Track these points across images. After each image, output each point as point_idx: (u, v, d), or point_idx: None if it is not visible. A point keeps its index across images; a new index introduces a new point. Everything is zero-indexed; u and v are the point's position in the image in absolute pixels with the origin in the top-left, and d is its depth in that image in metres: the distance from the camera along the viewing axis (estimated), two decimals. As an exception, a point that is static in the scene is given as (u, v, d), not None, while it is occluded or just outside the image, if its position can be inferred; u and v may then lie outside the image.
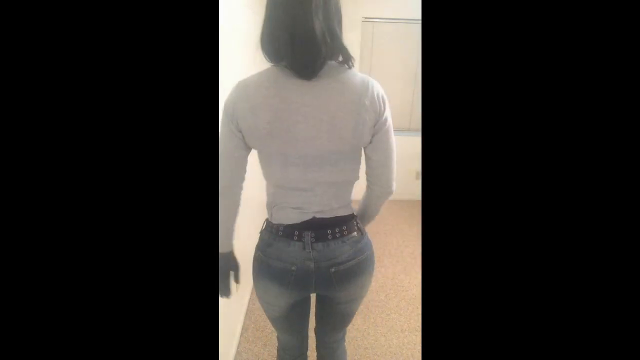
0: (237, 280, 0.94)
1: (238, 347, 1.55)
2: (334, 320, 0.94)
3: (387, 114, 0.76)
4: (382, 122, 0.75)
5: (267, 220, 0.85)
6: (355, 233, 0.82)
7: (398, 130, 3.15)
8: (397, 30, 2.86)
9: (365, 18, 2.80)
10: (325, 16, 0.67)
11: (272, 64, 0.74)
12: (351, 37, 2.80)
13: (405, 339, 1.63)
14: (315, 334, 1.03)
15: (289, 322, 0.90)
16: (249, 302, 1.83)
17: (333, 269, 0.78)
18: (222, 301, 1.30)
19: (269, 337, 1.61)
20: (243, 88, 0.74)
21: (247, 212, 1.74)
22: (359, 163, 0.81)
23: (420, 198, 3.40)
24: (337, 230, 0.79)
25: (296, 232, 0.78)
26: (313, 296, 0.93)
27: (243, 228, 1.70)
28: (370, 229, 0.98)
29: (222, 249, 0.89)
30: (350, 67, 0.75)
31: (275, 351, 1.09)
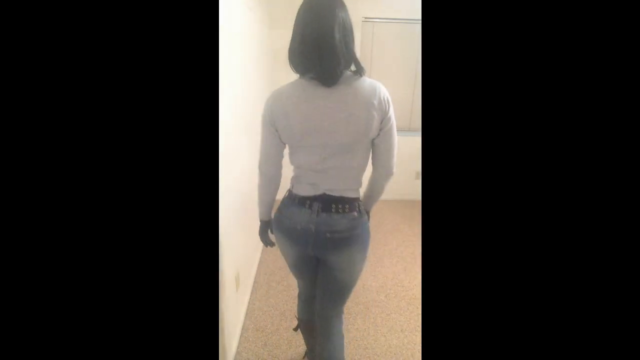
0: (270, 242, 1.22)
1: (238, 347, 1.55)
2: (330, 288, 1.10)
3: (391, 112, 0.93)
4: (387, 119, 0.93)
5: (289, 190, 1.06)
6: (355, 213, 0.99)
7: (398, 130, 3.14)
8: (397, 30, 2.86)
9: (365, 18, 2.81)
10: (342, 35, 0.85)
11: (299, 75, 0.93)
12: (351, 37, 2.80)
13: (405, 339, 1.63)
14: (316, 306, 1.18)
15: (299, 270, 1.14)
16: (249, 302, 1.83)
17: (328, 235, 0.97)
18: (222, 301, 1.30)
19: (269, 337, 1.61)
20: (278, 97, 0.92)
21: (250, 207, 1.74)
22: (369, 152, 0.99)
23: (420, 198, 3.40)
24: (340, 206, 0.97)
25: (308, 202, 0.98)
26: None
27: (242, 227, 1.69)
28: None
29: (263, 217, 1.18)
30: (362, 75, 0.92)
31: (275, 351, 1.47)
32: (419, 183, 3.35)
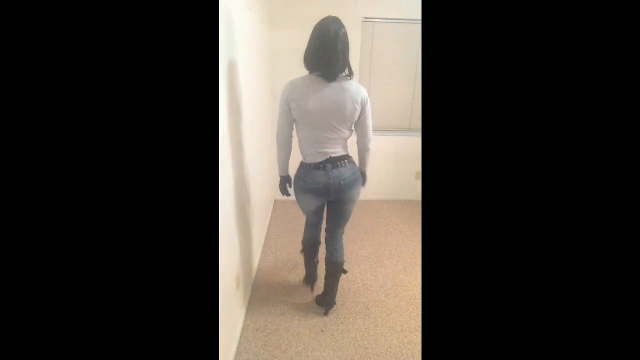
0: (288, 189, 1.67)
1: (238, 347, 1.55)
2: (338, 217, 1.61)
3: (368, 107, 1.42)
4: (364, 111, 1.42)
5: (302, 162, 1.52)
6: (351, 164, 1.51)
7: (398, 130, 3.16)
8: (397, 30, 2.85)
9: (365, 18, 2.80)
10: (342, 47, 1.29)
11: (309, 72, 1.37)
12: (351, 37, 2.79)
13: (405, 339, 1.63)
14: (326, 231, 1.70)
15: (314, 212, 1.62)
16: (249, 302, 1.83)
17: (342, 182, 1.46)
18: (222, 301, 1.30)
19: (269, 337, 1.61)
20: (294, 84, 1.37)
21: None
22: (351, 130, 1.47)
23: (420, 198, 3.40)
24: (342, 162, 1.46)
25: (321, 166, 1.44)
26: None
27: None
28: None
29: (282, 173, 1.62)
30: (351, 78, 1.38)
31: (275, 351, 1.56)
32: (419, 183, 3.35)
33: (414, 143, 3.18)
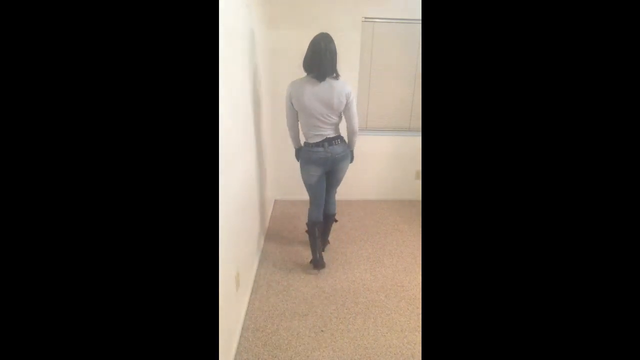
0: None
1: (238, 347, 1.55)
2: (332, 182, 2.15)
3: (352, 98, 1.89)
4: (349, 102, 1.88)
5: (305, 142, 2.02)
6: (343, 143, 2.01)
7: (398, 130, 3.16)
8: (397, 30, 2.85)
9: (365, 18, 2.80)
10: (331, 56, 1.78)
11: (306, 74, 1.85)
12: (351, 37, 2.81)
13: (405, 339, 1.63)
14: (326, 193, 2.18)
15: (316, 185, 2.08)
16: (248, 302, 1.83)
17: (336, 156, 1.97)
18: (222, 301, 1.30)
19: (269, 337, 1.61)
20: (295, 83, 1.87)
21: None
22: (340, 117, 1.96)
23: (420, 198, 3.40)
24: (336, 141, 1.97)
25: (320, 144, 1.94)
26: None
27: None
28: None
29: (296, 146, 2.14)
30: (337, 78, 1.85)
31: (275, 351, 1.56)
32: (419, 183, 3.35)
33: (414, 143, 3.18)
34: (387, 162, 3.25)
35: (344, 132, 2.04)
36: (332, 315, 1.79)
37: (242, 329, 1.68)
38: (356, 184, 3.29)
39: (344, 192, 3.25)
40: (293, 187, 3.15)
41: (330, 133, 1.94)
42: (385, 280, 2.09)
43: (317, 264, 2.14)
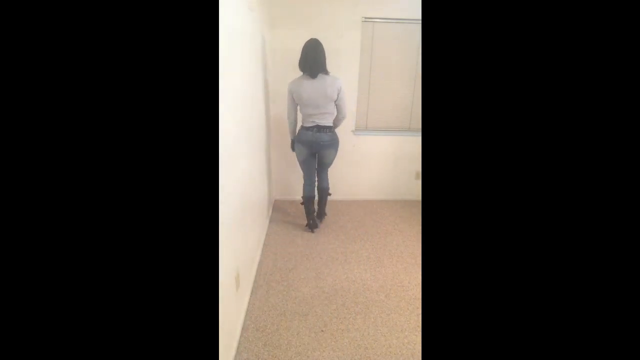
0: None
1: (238, 346, 1.55)
2: (322, 164, 2.55)
3: (342, 91, 2.32)
4: (339, 94, 2.32)
5: (301, 126, 2.41)
6: (331, 132, 2.41)
7: (398, 130, 3.16)
8: (397, 30, 2.85)
9: (365, 18, 2.80)
10: (321, 58, 2.26)
11: (302, 73, 2.32)
12: (351, 37, 2.81)
13: (405, 339, 1.63)
14: (317, 175, 2.63)
15: (307, 163, 2.51)
16: (248, 302, 1.83)
17: (322, 142, 2.39)
18: (222, 301, 1.30)
19: (269, 337, 1.61)
20: (294, 81, 2.33)
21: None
22: (334, 108, 2.37)
23: (420, 198, 3.40)
24: (325, 129, 2.37)
25: (310, 129, 2.36)
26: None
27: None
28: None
29: (292, 137, 2.54)
30: (328, 74, 2.31)
31: (275, 351, 1.57)
32: (419, 183, 3.35)
33: (414, 143, 3.18)
34: (387, 162, 3.25)
35: (341, 133, 2.47)
36: (332, 315, 1.79)
37: (242, 328, 1.68)
38: (356, 184, 3.29)
39: (344, 192, 3.27)
40: (293, 187, 3.15)
41: (322, 122, 2.34)
42: (385, 280, 2.09)
43: (312, 226, 2.64)
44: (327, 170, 2.64)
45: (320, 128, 2.34)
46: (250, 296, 1.90)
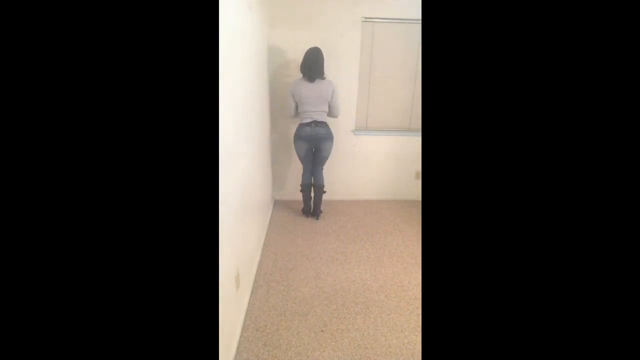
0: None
1: (238, 346, 1.55)
2: (318, 159, 2.77)
3: (336, 93, 2.65)
4: (333, 95, 2.64)
5: (300, 122, 2.67)
6: (327, 128, 2.69)
7: (398, 130, 3.16)
8: (397, 30, 2.85)
9: (365, 18, 2.80)
10: (320, 64, 2.58)
11: (302, 75, 2.62)
12: (351, 37, 2.81)
13: (405, 339, 1.63)
14: (313, 167, 2.80)
15: (306, 156, 2.75)
16: (248, 302, 1.83)
17: (319, 136, 2.66)
18: (222, 301, 1.30)
19: (269, 337, 1.61)
20: (294, 82, 2.66)
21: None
22: (328, 107, 2.66)
23: (420, 198, 3.40)
24: (321, 125, 2.66)
25: (309, 124, 2.65)
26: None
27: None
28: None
29: (293, 114, 2.78)
30: (324, 79, 2.63)
31: (275, 351, 1.57)
32: (419, 183, 3.35)
33: (414, 143, 3.18)
34: (387, 162, 3.25)
35: (336, 131, 2.72)
36: (332, 315, 1.79)
37: (242, 328, 1.68)
38: (356, 184, 3.29)
39: (344, 192, 3.27)
40: (293, 187, 3.15)
41: (318, 118, 2.62)
42: (385, 280, 2.09)
43: (307, 212, 2.93)
44: (322, 167, 2.83)
45: (317, 123, 2.62)
46: (250, 296, 1.90)
